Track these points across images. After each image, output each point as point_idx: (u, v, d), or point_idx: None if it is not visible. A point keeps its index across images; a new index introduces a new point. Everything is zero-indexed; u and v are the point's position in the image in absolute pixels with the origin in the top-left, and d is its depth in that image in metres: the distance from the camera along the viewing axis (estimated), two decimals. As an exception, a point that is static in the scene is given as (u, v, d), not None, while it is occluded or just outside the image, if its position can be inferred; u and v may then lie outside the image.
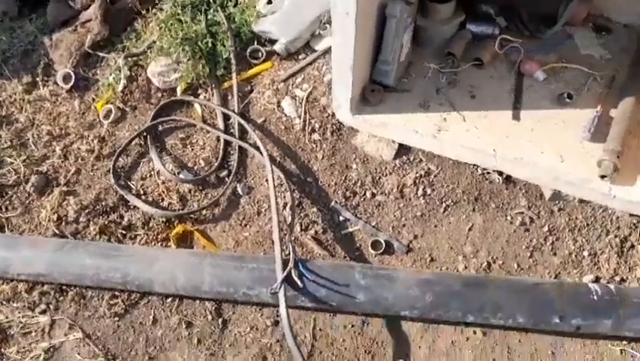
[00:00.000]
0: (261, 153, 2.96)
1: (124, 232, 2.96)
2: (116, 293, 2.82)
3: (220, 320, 2.85)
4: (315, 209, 2.98)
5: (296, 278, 2.62)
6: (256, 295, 2.72)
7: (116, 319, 2.75)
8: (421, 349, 2.75)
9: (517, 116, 2.87)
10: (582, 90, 2.92)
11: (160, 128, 3.26)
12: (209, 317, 2.86)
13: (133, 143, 3.21)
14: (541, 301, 2.54)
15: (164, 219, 3.00)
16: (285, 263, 2.59)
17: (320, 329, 2.83)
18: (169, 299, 2.86)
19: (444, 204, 2.96)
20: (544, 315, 2.54)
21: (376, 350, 2.75)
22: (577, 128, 2.77)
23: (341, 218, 2.97)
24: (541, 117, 2.86)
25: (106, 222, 2.96)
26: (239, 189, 3.07)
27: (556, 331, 2.53)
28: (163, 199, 3.11)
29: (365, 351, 2.74)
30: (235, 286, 2.72)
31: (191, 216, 3.08)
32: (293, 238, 2.82)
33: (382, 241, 2.87)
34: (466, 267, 2.86)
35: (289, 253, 2.59)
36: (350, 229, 2.95)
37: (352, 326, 2.84)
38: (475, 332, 2.79)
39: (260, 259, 2.78)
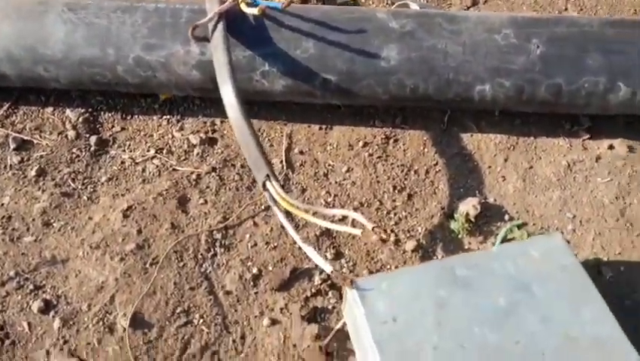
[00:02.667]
0: None
1: None
2: None
3: (92, 138, 1.37)
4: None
5: (249, 11, 1.20)
6: (164, 64, 1.26)
7: None
8: (506, 183, 1.33)
9: None
10: None
11: None
12: (70, 132, 1.38)
13: None
14: None
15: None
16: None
17: (302, 152, 1.38)
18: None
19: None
20: None
21: (413, 185, 1.33)
22: None
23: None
24: None
25: None
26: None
27: None
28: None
29: (393, 189, 1.32)
30: (118, 46, 1.26)
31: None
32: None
33: None
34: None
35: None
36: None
37: (365, 143, 1.40)
38: (611, 147, 1.41)
39: None
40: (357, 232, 1.01)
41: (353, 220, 1.18)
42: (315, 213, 1.10)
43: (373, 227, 0.98)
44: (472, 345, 0.89)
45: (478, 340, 0.90)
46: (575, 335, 0.92)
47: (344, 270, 1.18)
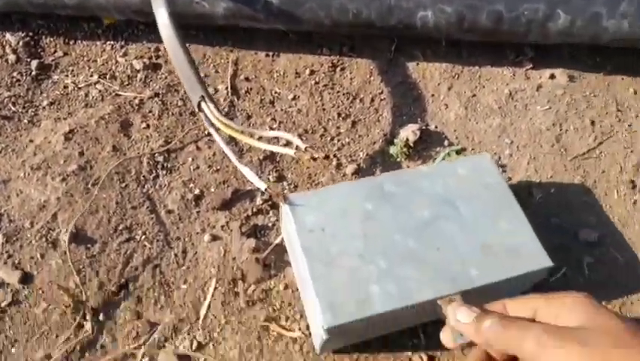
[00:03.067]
0: None
1: None
2: None
3: (34, 63, 1.35)
4: None
5: None
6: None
7: None
8: (449, 110, 1.36)
9: None
10: None
11: None
12: (10, 56, 1.36)
13: None
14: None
15: None
16: None
17: (248, 79, 1.39)
18: None
19: None
20: None
21: (358, 113, 1.37)
22: None
23: None
24: None
25: None
26: None
27: None
28: None
29: (338, 116, 1.34)
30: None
31: None
32: None
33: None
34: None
35: None
36: None
37: (312, 71, 1.41)
38: (553, 76, 1.44)
39: None
40: (290, 151, 1.03)
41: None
42: (251, 135, 1.13)
43: (306, 147, 1.01)
44: (393, 252, 0.94)
45: (400, 247, 0.95)
46: (493, 243, 0.97)
47: (285, 192, 1.22)
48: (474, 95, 1.41)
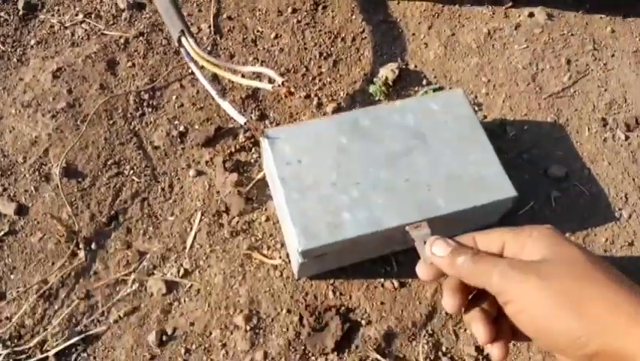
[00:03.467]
0: None
1: None
2: None
3: (20, 2, 1.38)
4: None
5: None
6: None
7: None
8: (428, 50, 1.38)
9: None
10: None
11: None
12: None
13: None
14: None
15: None
16: None
17: (230, 18, 1.41)
18: None
19: None
20: None
21: (339, 52, 1.38)
22: None
23: None
24: None
25: None
26: None
27: None
28: None
29: (319, 55, 1.37)
30: None
31: None
32: None
33: None
34: None
35: None
36: None
37: (294, 9, 1.43)
38: (532, 15, 1.46)
39: None
40: (267, 86, 1.07)
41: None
42: (233, 72, 1.16)
43: (283, 81, 1.05)
44: (365, 182, 1.00)
45: (372, 178, 1.01)
46: (461, 174, 1.03)
47: (267, 129, 1.26)
48: (453, 35, 1.43)
